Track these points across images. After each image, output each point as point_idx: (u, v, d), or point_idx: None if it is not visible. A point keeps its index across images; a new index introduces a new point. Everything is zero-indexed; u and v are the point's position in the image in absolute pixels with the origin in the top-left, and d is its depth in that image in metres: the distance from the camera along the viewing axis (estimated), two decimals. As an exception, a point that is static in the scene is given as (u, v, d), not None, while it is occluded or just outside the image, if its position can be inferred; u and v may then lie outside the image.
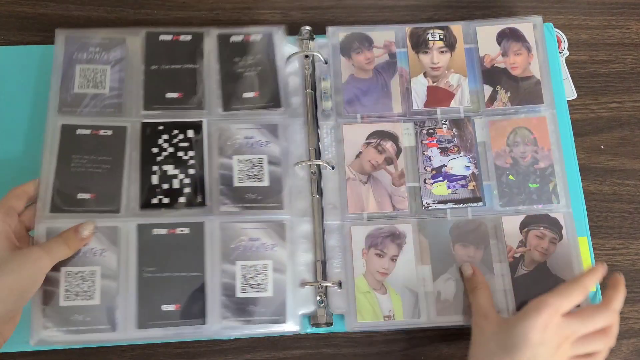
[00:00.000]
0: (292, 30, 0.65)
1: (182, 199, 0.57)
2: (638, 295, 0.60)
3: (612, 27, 0.70)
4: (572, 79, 0.67)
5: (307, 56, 0.64)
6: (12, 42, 0.66)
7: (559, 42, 0.68)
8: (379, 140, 0.61)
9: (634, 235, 0.62)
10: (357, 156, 0.60)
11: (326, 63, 0.64)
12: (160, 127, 0.59)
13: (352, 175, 0.59)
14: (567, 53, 0.68)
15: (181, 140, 0.59)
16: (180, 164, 0.58)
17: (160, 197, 0.57)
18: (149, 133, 0.59)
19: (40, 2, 0.69)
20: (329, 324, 0.56)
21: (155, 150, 0.59)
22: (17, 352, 0.55)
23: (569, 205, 0.59)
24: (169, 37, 0.63)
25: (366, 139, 0.61)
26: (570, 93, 0.66)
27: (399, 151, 0.61)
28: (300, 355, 0.57)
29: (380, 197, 0.59)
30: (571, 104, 0.65)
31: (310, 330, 0.57)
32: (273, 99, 0.61)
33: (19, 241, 0.51)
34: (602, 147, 0.65)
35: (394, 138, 0.61)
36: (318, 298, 0.56)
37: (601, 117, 0.66)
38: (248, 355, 0.57)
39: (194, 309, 0.54)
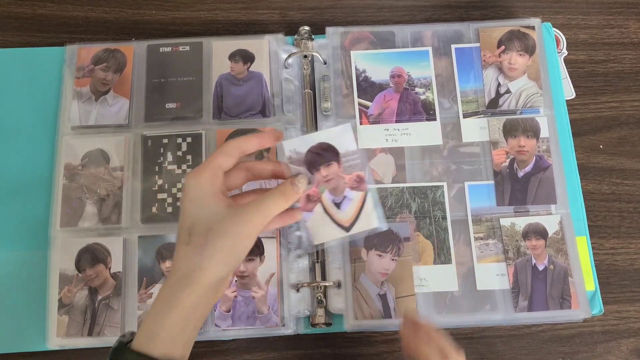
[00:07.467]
0: (291, 30, 0.65)
1: None
2: (637, 294, 0.60)
3: (610, 26, 0.70)
4: (570, 78, 0.67)
5: (305, 56, 0.64)
6: (11, 43, 0.66)
7: (558, 42, 0.68)
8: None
9: (632, 235, 0.62)
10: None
11: (325, 63, 0.64)
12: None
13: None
14: (566, 53, 0.68)
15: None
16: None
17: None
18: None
19: (39, 3, 0.69)
20: (328, 324, 0.56)
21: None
22: (13, 352, 0.56)
23: (567, 205, 0.59)
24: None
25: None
26: (569, 93, 0.66)
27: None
28: (300, 355, 0.57)
29: None
30: (570, 104, 0.65)
31: (310, 330, 0.57)
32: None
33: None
34: (601, 146, 0.65)
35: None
36: (317, 298, 0.56)
37: (600, 117, 0.66)
38: (248, 356, 0.57)
39: None
